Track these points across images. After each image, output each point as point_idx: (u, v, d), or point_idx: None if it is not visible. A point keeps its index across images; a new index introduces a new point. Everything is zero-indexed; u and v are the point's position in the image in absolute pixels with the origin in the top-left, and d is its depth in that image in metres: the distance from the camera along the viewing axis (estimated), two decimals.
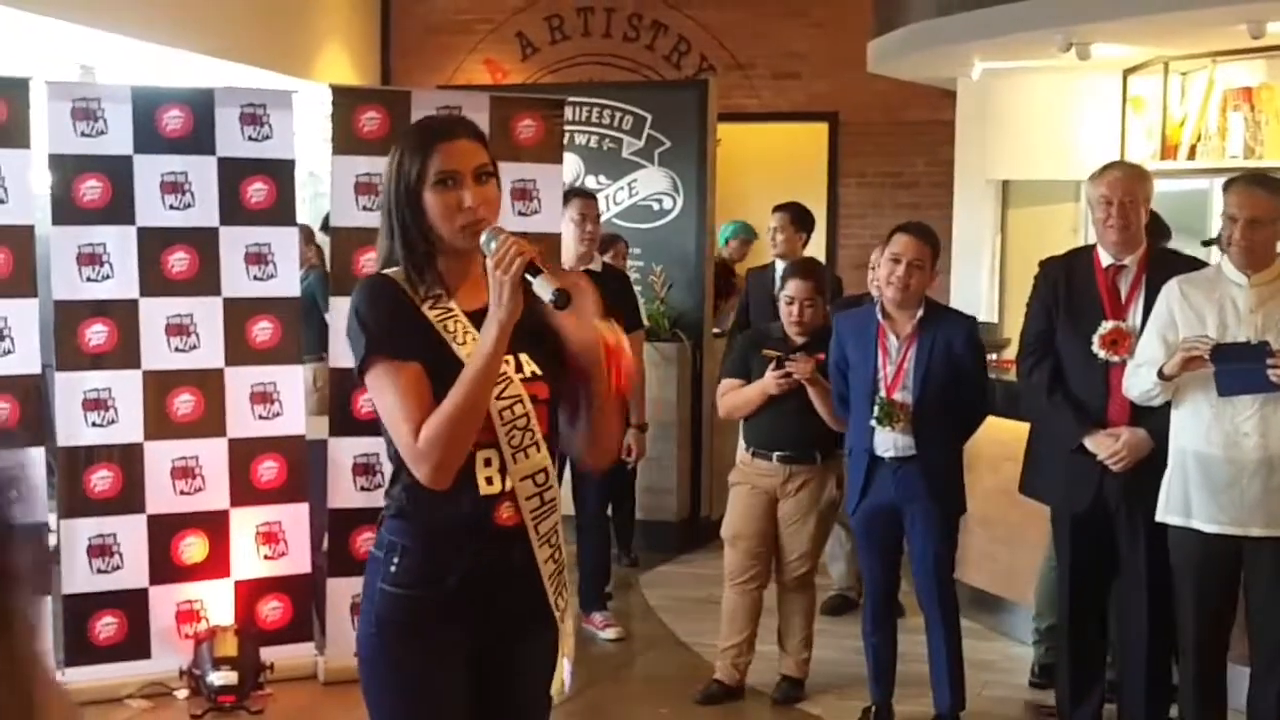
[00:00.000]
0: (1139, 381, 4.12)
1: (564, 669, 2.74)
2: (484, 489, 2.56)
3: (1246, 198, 3.98)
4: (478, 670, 2.62)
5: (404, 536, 2.58)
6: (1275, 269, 4.04)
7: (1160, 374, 4.00)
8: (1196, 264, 4.44)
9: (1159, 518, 4.15)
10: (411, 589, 2.56)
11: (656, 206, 8.32)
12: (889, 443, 4.60)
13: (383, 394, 2.51)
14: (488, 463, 2.55)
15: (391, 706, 2.62)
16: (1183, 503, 4.09)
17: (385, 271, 2.60)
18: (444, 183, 2.53)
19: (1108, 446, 4.27)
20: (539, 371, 2.61)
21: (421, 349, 2.50)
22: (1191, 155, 6.61)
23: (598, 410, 2.63)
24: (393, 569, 2.56)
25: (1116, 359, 4.27)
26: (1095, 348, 4.29)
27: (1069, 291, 4.42)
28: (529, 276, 2.42)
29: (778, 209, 7.13)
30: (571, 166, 8.18)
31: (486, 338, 2.45)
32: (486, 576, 2.58)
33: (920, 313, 4.62)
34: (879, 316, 4.66)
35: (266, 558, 5.29)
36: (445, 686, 2.59)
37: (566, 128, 6.75)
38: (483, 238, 2.49)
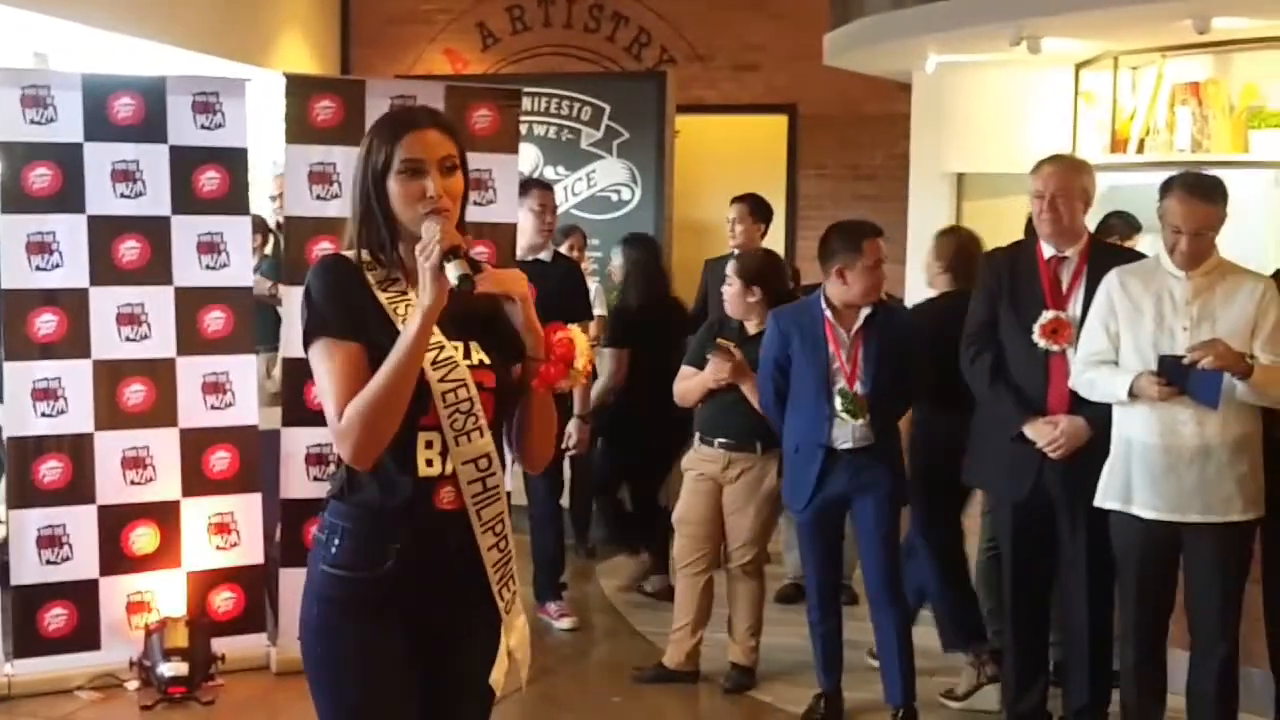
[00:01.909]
0: (1101, 390, 4.17)
1: (510, 661, 2.72)
2: (424, 470, 2.58)
3: (1190, 210, 4.03)
4: (417, 651, 2.63)
5: (344, 518, 2.60)
6: (1211, 261, 4.10)
7: (1131, 395, 4.06)
8: (1136, 256, 4.50)
9: (1098, 503, 4.22)
10: (351, 570, 2.59)
11: (615, 197, 8.34)
12: (847, 434, 4.64)
13: (318, 372, 2.54)
14: (429, 444, 2.58)
15: (331, 683, 2.63)
16: (1123, 489, 4.15)
17: (343, 252, 2.63)
18: (408, 171, 2.57)
19: (1046, 434, 4.34)
20: (486, 360, 2.63)
21: (368, 330, 2.53)
22: (1141, 149, 6.67)
23: (528, 404, 2.68)
24: (333, 550, 2.59)
25: (1056, 348, 4.35)
26: (1036, 337, 4.35)
27: (1012, 282, 4.48)
28: (445, 263, 2.46)
29: (735, 200, 7.15)
30: (530, 157, 8.20)
31: (410, 324, 2.48)
32: (425, 559, 2.60)
33: (868, 308, 4.67)
34: (826, 312, 4.70)
35: (219, 548, 5.29)
36: (383, 665, 2.61)
37: (525, 118, 6.77)
38: (424, 225, 2.52)
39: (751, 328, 5.11)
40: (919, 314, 5.32)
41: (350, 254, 2.62)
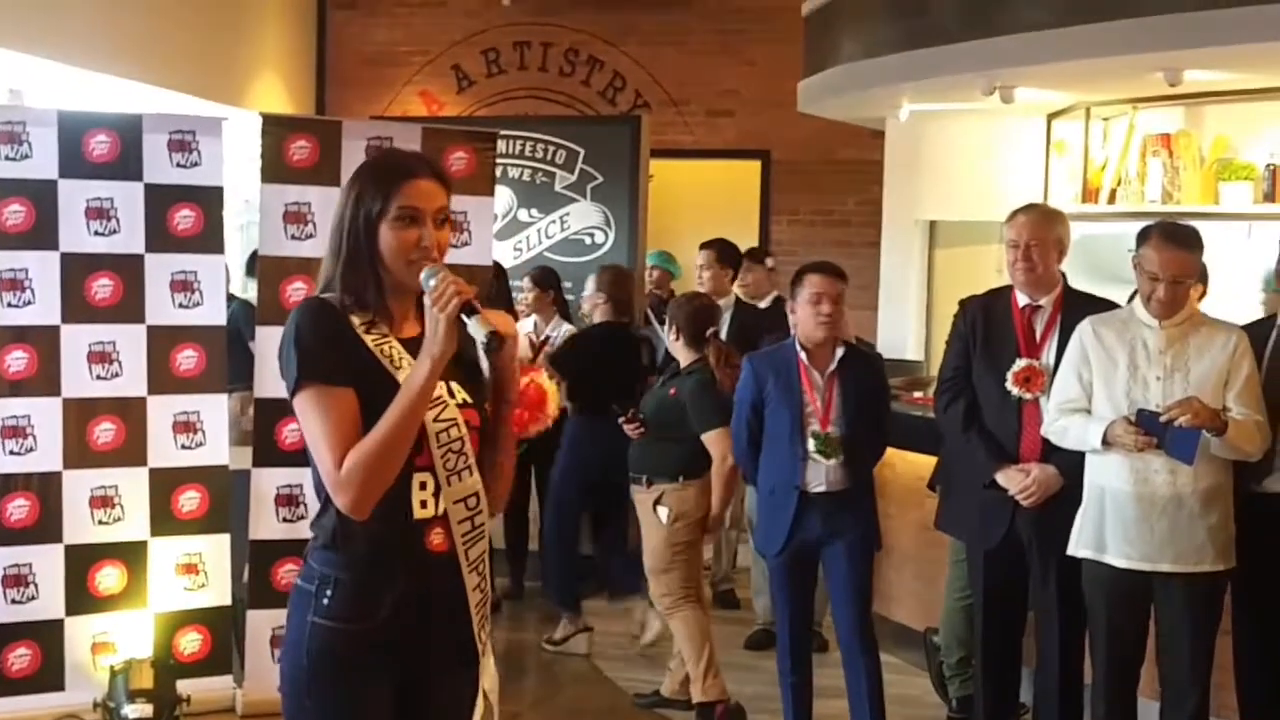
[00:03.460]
0: (1073, 437, 4.18)
1: (485, 703, 2.72)
2: (418, 512, 2.57)
3: (1169, 258, 4.06)
4: (401, 702, 2.61)
5: (335, 568, 2.56)
6: (1185, 312, 4.14)
7: (1105, 442, 4.08)
8: (1110, 305, 4.53)
9: (1071, 551, 4.22)
10: (345, 622, 2.55)
11: (588, 240, 8.35)
12: (821, 477, 4.63)
13: (310, 419, 2.49)
14: (423, 485, 2.57)
15: None
16: (1095, 537, 4.16)
17: (323, 295, 2.60)
18: (403, 219, 2.55)
19: (1018, 482, 4.35)
20: (469, 399, 2.64)
21: (357, 374, 2.51)
22: (1112, 199, 6.74)
23: (495, 448, 2.69)
24: (325, 601, 2.54)
25: (1029, 396, 4.37)
26: (1009, 385, 4.37)
27: (986, 329, 4.50)
28: (464, 316, 2.46)
29: (703, 246, 7.18)
30: (504, 200, 8.21)
31: (419, 372, 2.46)
32: (417, 606, 2.58)
33: (843, 350, 4.68)
34: (801, 354, 4.71)
35: (186, 589, 5.23)
36: (373, 715, 2.58)
37: (500, 161, 6.77)
38: (423, 274, 2.51)
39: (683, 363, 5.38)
40: (583, 339, 6.43)
41: (330, 297, 2.59)
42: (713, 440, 5.16)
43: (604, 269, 6.90)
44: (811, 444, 4.60)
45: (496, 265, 6.84)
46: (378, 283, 2.58)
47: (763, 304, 7.21)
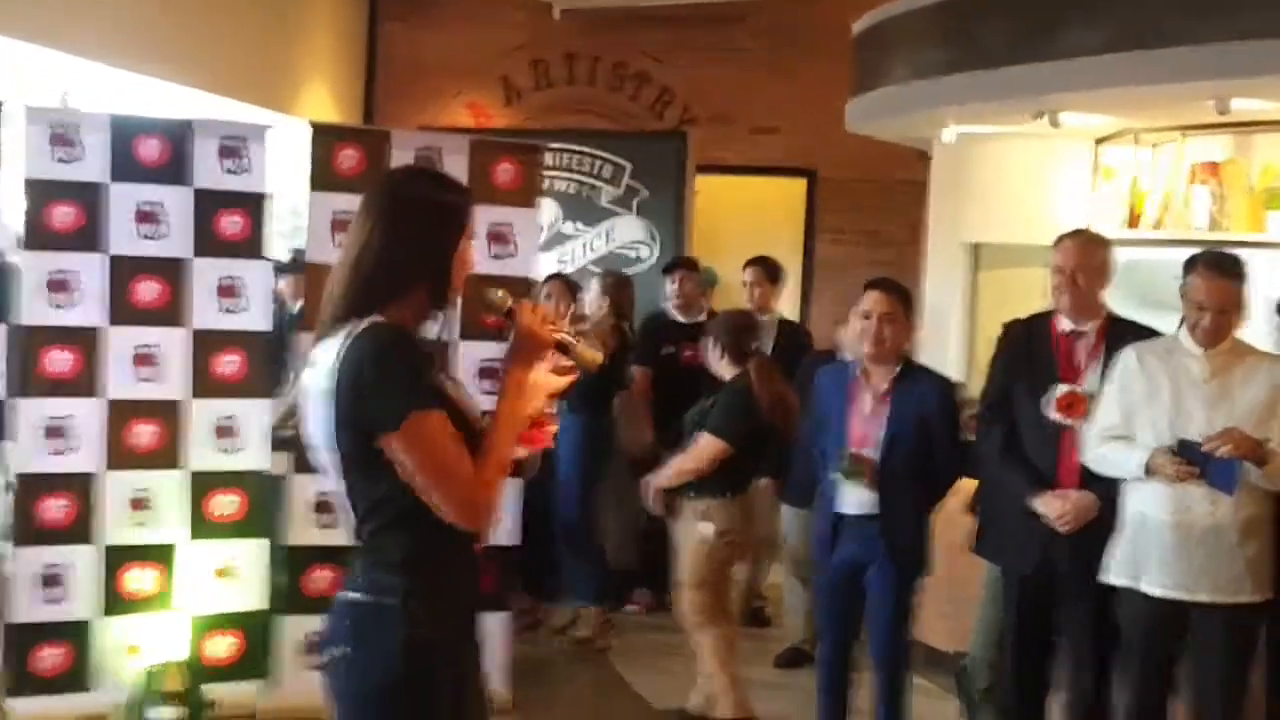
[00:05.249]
0: (1114, 465, 4.16)
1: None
2: None
3: (1214, 287, 4.05)
4: (454, 701, 2.73)
5: (417, 579, 2.63)
6: (1229, 341, 4.10)
7: (1147, 470, 4.05)
8: (1154, 333, 4.50)
9: (1106, 579, 4.19)
10: (433, 630, 2.64)
11: (632, 255, 8.38)
12: (853, 500, 4.62)
13: (430, 446, 2.55)
14: None
15: None
16: (1131, 566, 4.14)
17: (381, 320, 2.62)
18: (471, 237, 2.74)
19: (1056, 508, 4.32)
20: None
21: (441, 396, 2.63)
22: (1158, 226, 6.68)
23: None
24: (413, 612, 2.61)
25: (1070, 422, 4.33)
26: (1050, 411, 4.34)
27: (1028, 354, 4.48)
28: (565, 340, 2.79)
29: (751, 263, 7.19)
30: (549, 212, 8.24)
31: (519, 389, 2.70)
32: (472, 607, 2.80)
33: (897, 370, 4.65)
34: (856, 372, 4.70)
35: (221, 593, 5.25)
36: (453, 713, 2.71)
37: (546, 173, 6.81)
38: (498, 294, 2.77)
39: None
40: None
41: (389, 320, 2.63)
42: (705, 441, 5.16)
43: (607, 273, 7.01)
44: (841, 463, 4.59)
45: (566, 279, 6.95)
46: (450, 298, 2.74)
47: (700, 317, 7.09)
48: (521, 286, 5.52)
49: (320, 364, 2.63)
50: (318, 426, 2.64)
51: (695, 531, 5.22)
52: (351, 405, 2.56)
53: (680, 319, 7.09)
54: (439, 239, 2.69)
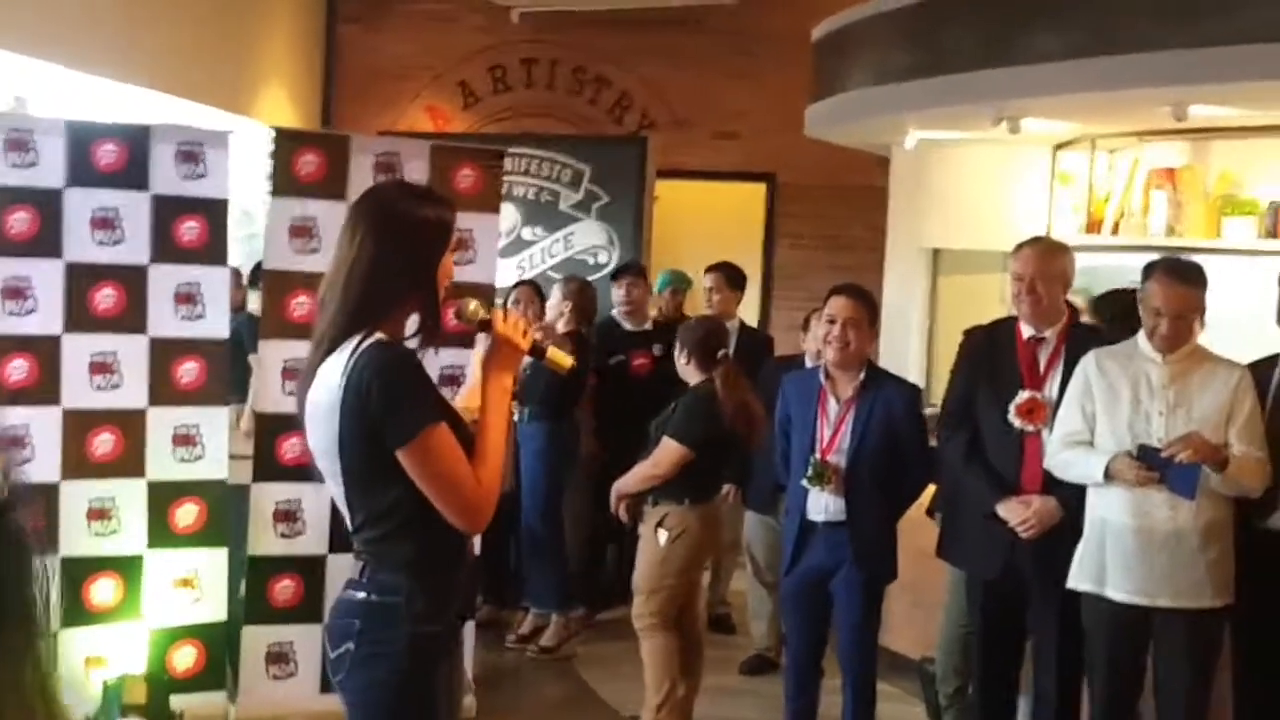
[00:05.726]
0: (1076, 471, 4.18)
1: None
2: None
3: (1172, 294, 4.07)
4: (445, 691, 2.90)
5: (421, 579, 2.76)
6: (1188, 347, 4.14)
7: (1107, 476, 4.08)
8: (1114, 339, 4.52)
9: (1070, 584, 4.22)
10: (435, 624, 2.79)
11: (592, 260, 8.36)
12: (821, 506, 4.62)
13: (443, 458, 2.69)
14: None
15: None
16: (1095, 571, 4.16)
17: (384, 339, 2.74)
18: (453, 250, 2.87)
19: (1019, 514, 4.35)
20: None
21: (443, 408, 2.76)
22: (1115, 231, 6.74)
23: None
24: (418, 610, 2.75)
25: (1031, 428, 4.37)
26: (1011, 417, 4.37)
27: (990, 361, 4.50)
28: (539, 345, 2.91)
29: (711, 269, 7.18)
30: (509, 218, 8.21)
31: (503, 395, 2.81)
32: (463, 603, 2.93)
33: (862, 376, 4.66)
34: (821, 379, 4.70)
35: (182, 603, 5.20)
36: (443, 714, 2.87)
37: (505, 178, 6.79)
38: (471, 305, 2.90)
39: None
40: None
41: (386, 338, 2.74)
42: (665, 446, 5.13)
43: (569, 279, 6.95)
44: (808, 469, 4.59)
45: (534, 285, 6.95)
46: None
47: (646, 325, 7.11)
48: (486, 293, 5.52)
49: (326, 379, 2.73)
50: (322, 439, 2.76)
51: (651, 536, 5.21)
52: (363, 418, 2.67)
53: (628, 326, 7.06)
54: (429, 253, 2.78)
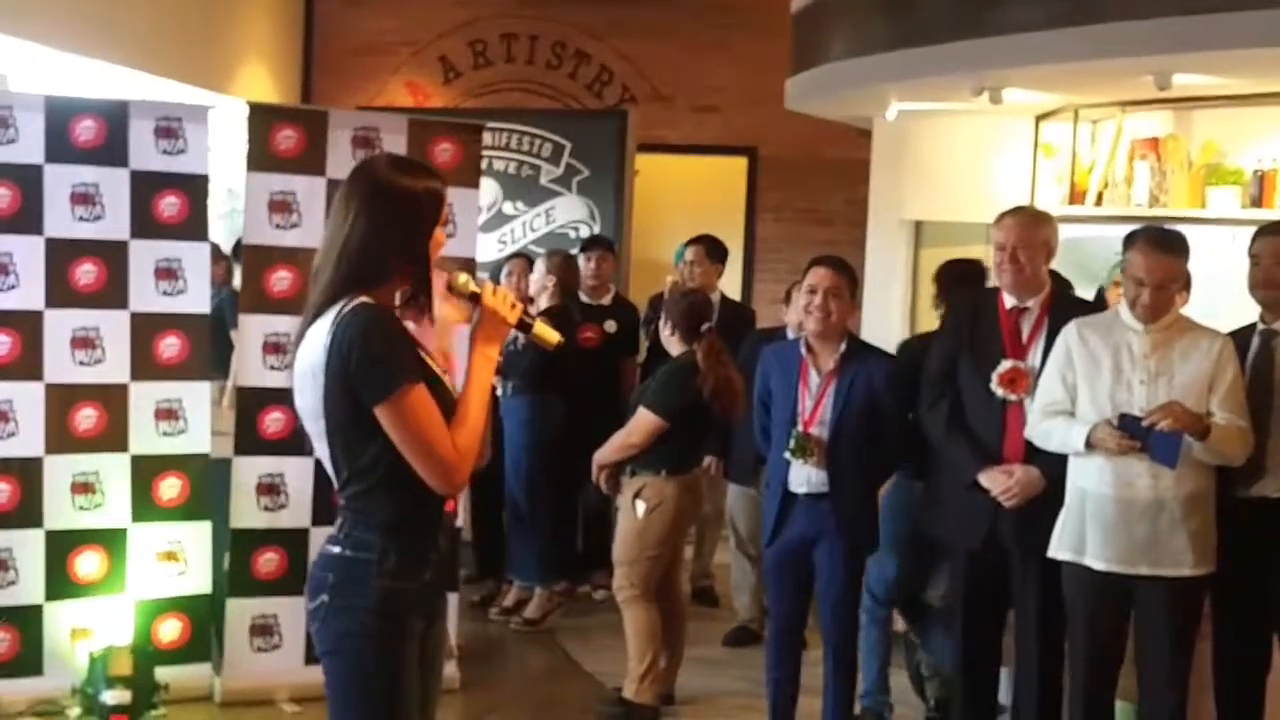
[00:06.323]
0: (1057, 440, 4.19)
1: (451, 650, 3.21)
2: None
3: (1154, 263, 4.07)
4: (420, 652, 2.92)
5: (394, 537, 2.82)
6: (1170, 317, 4.15)
7: (1088, 445, 4.09)
8: (1098, 308, 4.54)
9: (1051, 553, 4.24)
10: (406, 581, 2.83)
11: (573, 234, 8.34)
12: (803, 478, 4.63)
13: (417, 416, 2.74)
14: None
15: (385, 689, 2.83)
16: (1076, 540, 4.18)
17: (368, 301, 2.78)
18: (444, 224, 2.91)
19: (1000, 483, 4.36)
20: None
21: (423, 369, 2.80)
22: (1099, 202, 6.74)
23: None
24: (389, 566, 2.80)
25: (1014, 397, 4.37)
26: (993, 386, 4.38)
27: (973, 330, 4.51)
28: (526, 319, 2.97)
29: (691, 242, 7.16)
30: (490, 192, 8.20)
31: (488, 364, 2.88)
32: (439, 562, 2.95)
33: (843, 348, 4.66)
34: (803, 351, 4.71)
35: (166, 577, 5.21)
36: (415, 664, 2.88)
37: (486, 153, 6.76)
38: (461, 278, 2.92)
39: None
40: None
41: (370, 300, 2.78)
42: (640, 416, 5.16)
43: (552, 253, 6.92)
44: (790, 442, 4.60)
45: (527, 257, 6.93)
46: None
47: (605, 300, 7.08)
48: (467, 268, 5.51)
49: (312, 342, 2.79)
50: (309, 400, 2.82)
51: (630, 507, 5.22)
52: (344, 378, 2.74)
53: (585, 299, 7.02)
54: (421, 226, 2.83)
